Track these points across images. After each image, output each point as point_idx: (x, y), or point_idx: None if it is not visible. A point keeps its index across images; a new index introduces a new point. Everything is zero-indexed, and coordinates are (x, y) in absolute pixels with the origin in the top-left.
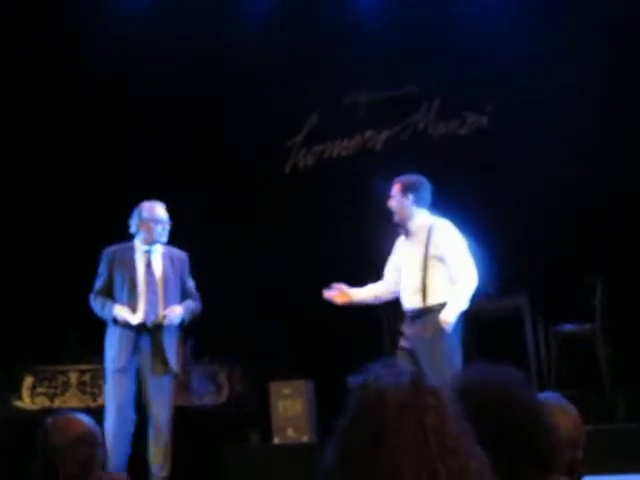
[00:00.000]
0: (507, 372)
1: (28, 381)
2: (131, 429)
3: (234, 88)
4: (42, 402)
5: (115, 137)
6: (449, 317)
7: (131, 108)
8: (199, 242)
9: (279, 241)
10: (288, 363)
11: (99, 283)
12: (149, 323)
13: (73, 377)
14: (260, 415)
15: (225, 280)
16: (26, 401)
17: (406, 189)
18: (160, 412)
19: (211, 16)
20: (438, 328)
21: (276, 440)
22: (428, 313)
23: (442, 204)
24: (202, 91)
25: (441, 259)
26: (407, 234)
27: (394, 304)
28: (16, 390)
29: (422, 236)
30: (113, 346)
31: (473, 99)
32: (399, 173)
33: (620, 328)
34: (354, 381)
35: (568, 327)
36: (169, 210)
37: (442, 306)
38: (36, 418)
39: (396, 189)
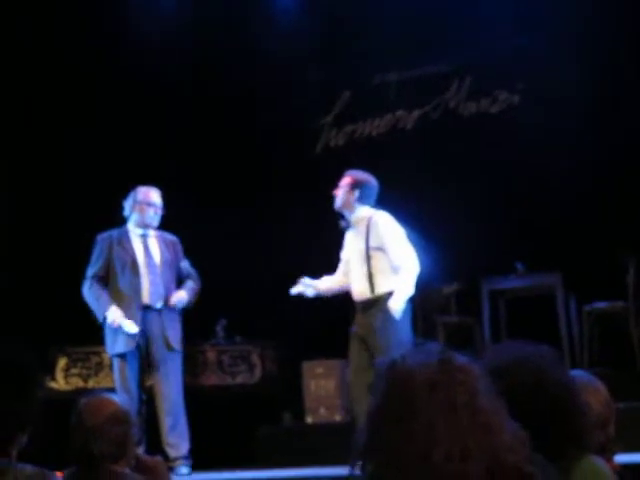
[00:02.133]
0: (541, 351)
1: (62, 362)
2: (141, 410)
3: (265, 70)
4: (76, 383)
5: (142, 119)
6: (397, 304)
7: (160, 92)
8: (231, 223)
9: (310, 221)
10: (321, 342)
11: (95, 268)
12: (154, 304)
13: (106, 358)
14: (293, 394)
15: (257, 261)
16: (60, 382)
17: (355, 185)
18: (170, 391)
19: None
20: (388, 316)
21: (309, 419)
22: (377, 302)
23: (473, 182)
24: (234, 73)
25: (382, 249)
26: (347, 225)
27: (426, 282)
28: (50, 371)
29: (362, 228)
30: (119, 329)
31: (504, 77)
32: (430, 152)
33: None
34: (382, 361)
35: (600, 305)
36: (199, 192)
37: (389, 294)
38: (70, 399)
39: (346, 181)
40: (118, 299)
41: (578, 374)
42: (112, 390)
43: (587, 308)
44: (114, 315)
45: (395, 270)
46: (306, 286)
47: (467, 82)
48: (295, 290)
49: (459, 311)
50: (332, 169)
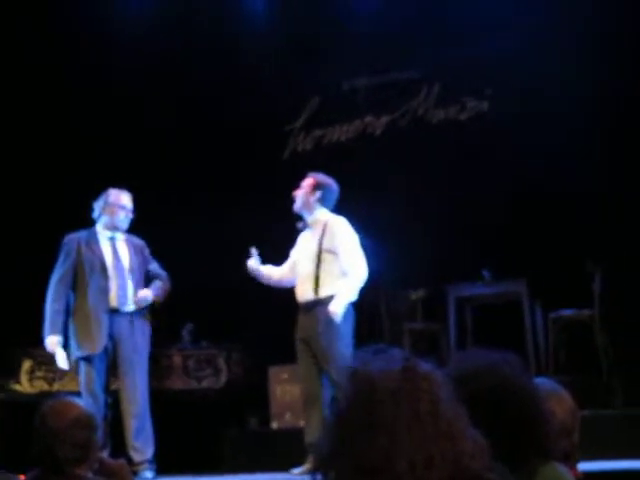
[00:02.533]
0: (506, 358)
1: (26, 365)
2: (107, 414)
3: (234, 73)
4: (40, 386)
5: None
6: (337, 308)
7: (127, 94)
8: (198, 228)
9: (278, 226)
10: (287, 347)
11: (62, 270)
12: (122, 307)
13: (72, 361)
14: (258, 399)
15: (224, 265)
16: (24, 385)
17: (317, 186)
18: (136, 395)
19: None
20: (329, 320)
21: (274, 424)
22: (319, 304)
23: (441, 189)
24: (202, 76)
25: (333, 252)
26: (304, 226)
27: (393, 288)
28: (14, 374)
29: (318, 230)
30: (85, 332)
31: (473, 84)
32: (398, 158)
33: (618, 314)
34: (345, 368)
35: (566, 313)
36: (166, 195)
37: (332, 298)
38: (34, 402)
39: (307, 182)
40: (86, 302)
41: (543, 382)
42: (77, 394)
43: (553, 316)
44: (50, 343)
45: (344, 275)
46: (253, 260)
47: (436, 89)
48: (249, 264)
49: (425, 317)
50: (300, 174)
